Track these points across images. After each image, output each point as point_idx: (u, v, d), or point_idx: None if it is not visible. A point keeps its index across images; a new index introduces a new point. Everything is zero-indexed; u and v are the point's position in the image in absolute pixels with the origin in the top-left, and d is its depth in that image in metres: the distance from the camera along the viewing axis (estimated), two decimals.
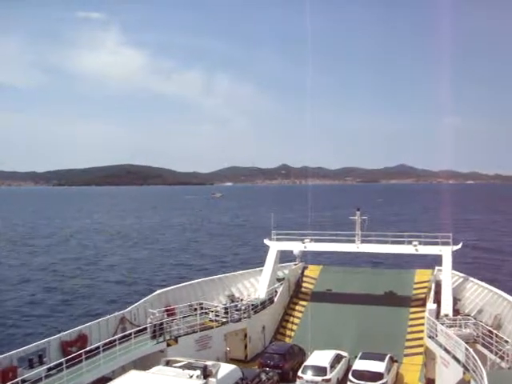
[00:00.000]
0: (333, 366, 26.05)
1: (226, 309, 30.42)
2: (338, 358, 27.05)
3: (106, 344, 23.90)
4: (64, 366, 21.19)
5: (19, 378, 20.27)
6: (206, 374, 19.00)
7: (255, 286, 37.30)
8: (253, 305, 31.90)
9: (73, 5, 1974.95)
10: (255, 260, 56.33)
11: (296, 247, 37.75)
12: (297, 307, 35.86)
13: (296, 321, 34.48)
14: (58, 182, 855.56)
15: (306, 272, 39.55)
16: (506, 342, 24.32)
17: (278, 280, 37.08)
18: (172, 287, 34.93)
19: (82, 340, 25.38)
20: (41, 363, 22.69)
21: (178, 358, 20.91)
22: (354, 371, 25.31)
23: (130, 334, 25.27)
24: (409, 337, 31.31)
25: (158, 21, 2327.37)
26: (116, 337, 24.91)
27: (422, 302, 33.31)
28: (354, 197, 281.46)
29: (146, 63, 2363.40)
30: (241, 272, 39.79)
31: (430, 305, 29.50)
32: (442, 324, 26.48)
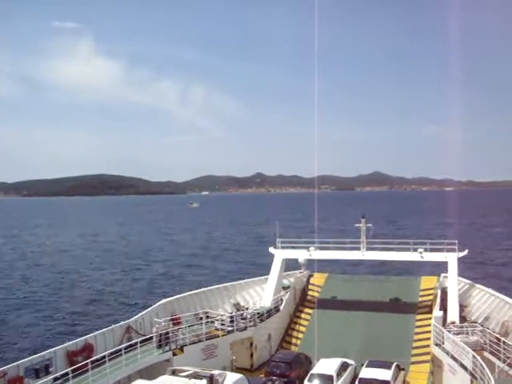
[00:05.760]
0: (339, 375, 25.93)
1: (231, 317, 30.38)
2: (344, 366, 26.94)
3: (111, 353, 23.93)
4: (70, 375, 21.25)
5: None
6: (213, 383, 18.97)
7: (261, 294, 37.24)
8: (258, 313, 31.83)
9: (48, 15, 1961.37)
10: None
11: (301, 255, 37.70)
12: (303, 315, 35.76)
13: (302, 329, 34.38)
14: (28, 192, 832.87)
15: (312, 280, 39.47)
16: None
17: (284, 288, 37.03)
18: (177, 296, 34.95)
19: (87, 350, 25.44)
20: (47, 373, 22.74)
21: (184, 368, 20.89)
22: (361, 379, 25.20)
23: (136, 344, 25.24)
24: (415, 344, 31.14)
25: (133, 30, 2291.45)
26: (122, 346, 24.90)
27: (428, 309, 33.17)
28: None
29: (120, 73, 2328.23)
30: (246, 280, 39.71)
31: (437, 312, 29.39)
32: (449, 331, 26.36)
